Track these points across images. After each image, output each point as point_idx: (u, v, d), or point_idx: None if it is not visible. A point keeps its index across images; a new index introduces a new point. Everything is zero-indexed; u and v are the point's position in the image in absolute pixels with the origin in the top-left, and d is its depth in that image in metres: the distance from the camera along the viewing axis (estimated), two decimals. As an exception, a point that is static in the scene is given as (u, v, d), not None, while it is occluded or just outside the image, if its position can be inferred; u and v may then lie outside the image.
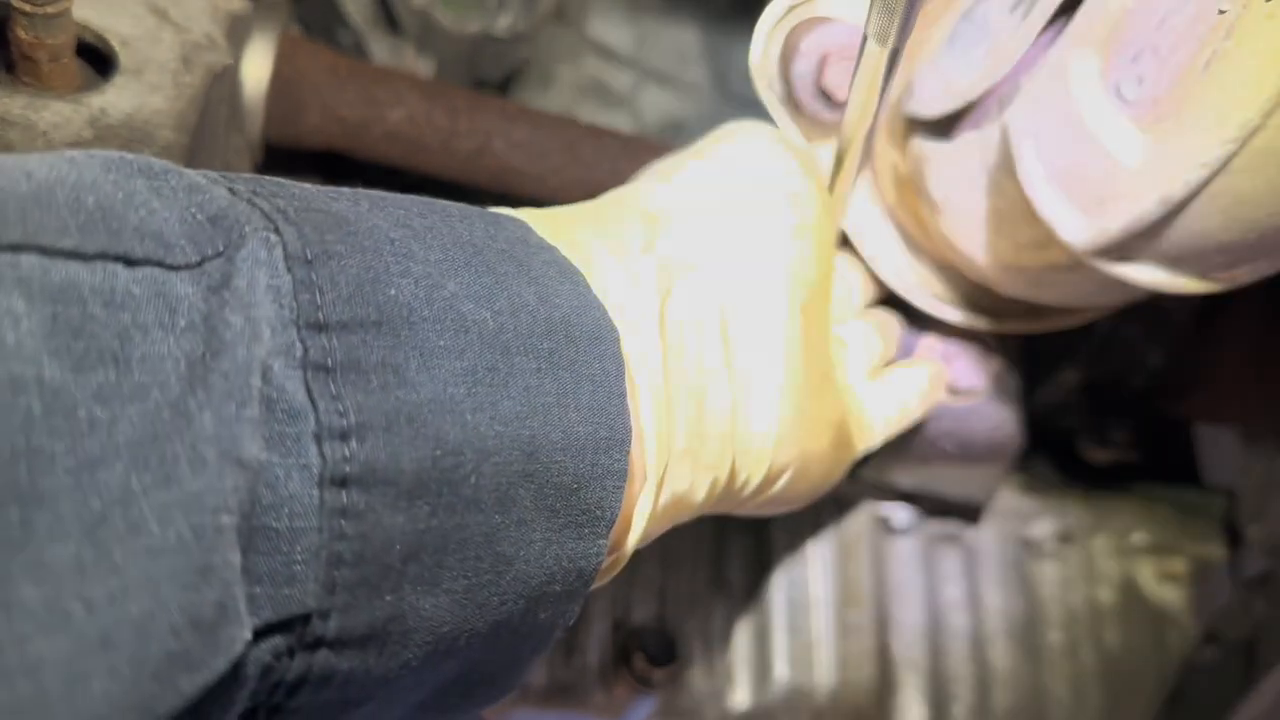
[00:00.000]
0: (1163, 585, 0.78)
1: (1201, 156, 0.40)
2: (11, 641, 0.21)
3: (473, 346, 0.31)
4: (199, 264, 0.27)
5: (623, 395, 0.35)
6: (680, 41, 0.90)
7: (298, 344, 0.28)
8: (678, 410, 0.38)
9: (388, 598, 0.29)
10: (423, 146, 0.64)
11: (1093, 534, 0.78)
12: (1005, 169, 0.48)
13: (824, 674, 0.69)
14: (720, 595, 0.70)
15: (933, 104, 0.51)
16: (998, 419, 0.64)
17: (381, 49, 0.71)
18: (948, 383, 0.63)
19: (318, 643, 0.28)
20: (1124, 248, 0.46)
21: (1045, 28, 0.47)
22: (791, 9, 0.55)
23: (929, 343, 0.63)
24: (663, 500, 0.39)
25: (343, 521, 0.27)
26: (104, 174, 0.27)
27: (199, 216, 0.28)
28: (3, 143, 0.47)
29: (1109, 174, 0.44)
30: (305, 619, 0.27)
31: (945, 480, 0.70)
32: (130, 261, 0.26)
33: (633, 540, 0.38)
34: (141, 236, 0.26)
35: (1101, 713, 0.74)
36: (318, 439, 0.27)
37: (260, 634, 0.27)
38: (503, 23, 0.73)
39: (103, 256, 0.25)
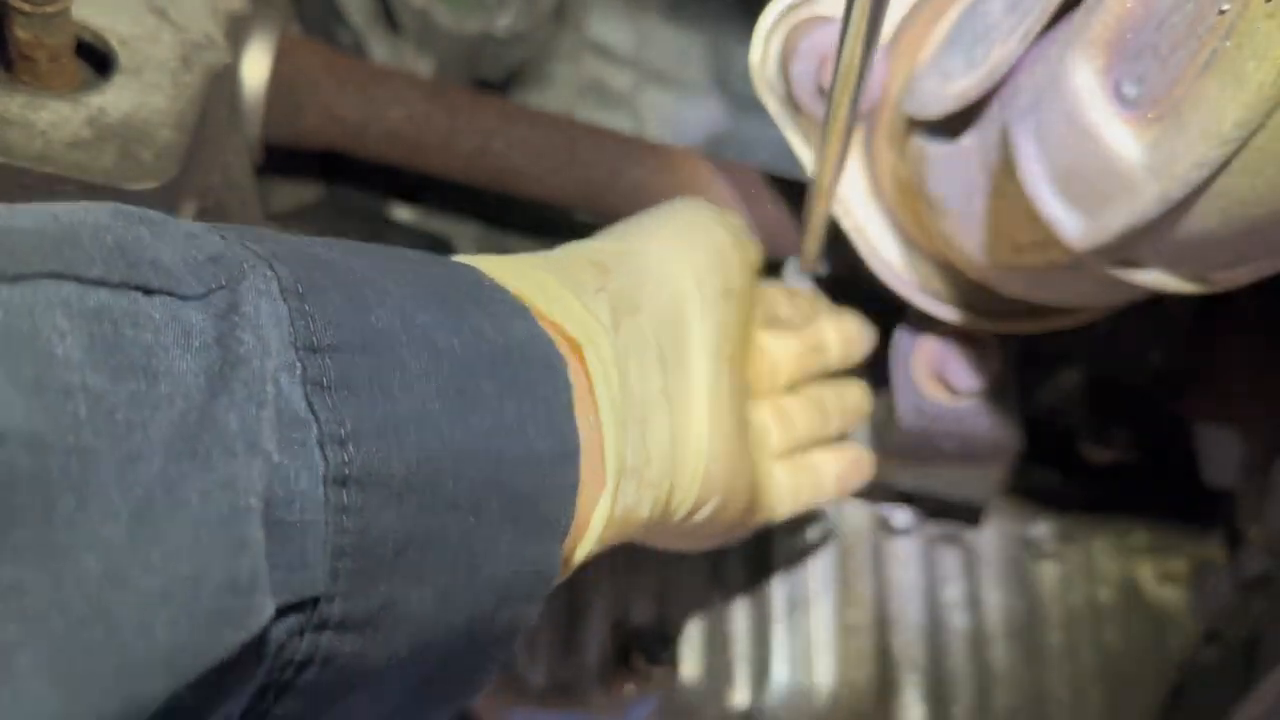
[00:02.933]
0: (1163, 585, 0.78)
1: (1201, 156, 0.40)
2: (81, 598, 0.25)
3: (444, 370, 0.35)
4: (204, 296, 0.31)
5: (572, 415, 0.39)
6: (680, 42, 0.90)
7: (298, 364, 0.31)
8: (628, 431, 0.43)
9: (381, 587, 0.33)
10: (422, 146, 0.64)
11: (1092, 534, 0.78)
12: (1005, 169, 0.49)
13: (824, 674, 0.69)
14: (720, 595, 0.70)
15: (932, 104, 0.51)
16: (997, 419, 0.64)
17: (381, 48, 0.71)
18: (948, 382, 0.63)
19: (323, 625, 0.31)
20: (1124, 247, 0.46)
21: (1045, 28, 0.47)
22: (791, 9, 0.55)
23: (928, 343, 0.63)
24: (617, 510, 0.42)
25: (344, 517, 0.31)
26: (114, 219, 0.31)
27: (199, 257, 0.31)
28: (2, 142, 0.47)
29: (1109, 174, 0.44)
30: (314, 602, 0.31)
31: (945, 480, 0.70)
32: (148, 291, 0.30)
33: (586, 546, 0.42)
34: (155, 270, 0.30)
35: (1102, 713, 0.74)
36: (320, 445, 0.31)
37: (277, 615, 0.30)
38: (502, 22, 0.73)
39: (125, 285, 0.29)
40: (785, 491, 0.56)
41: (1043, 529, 0.77)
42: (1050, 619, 0.76)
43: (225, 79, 0.55)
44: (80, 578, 0.26)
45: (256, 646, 0.30)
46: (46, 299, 0.27)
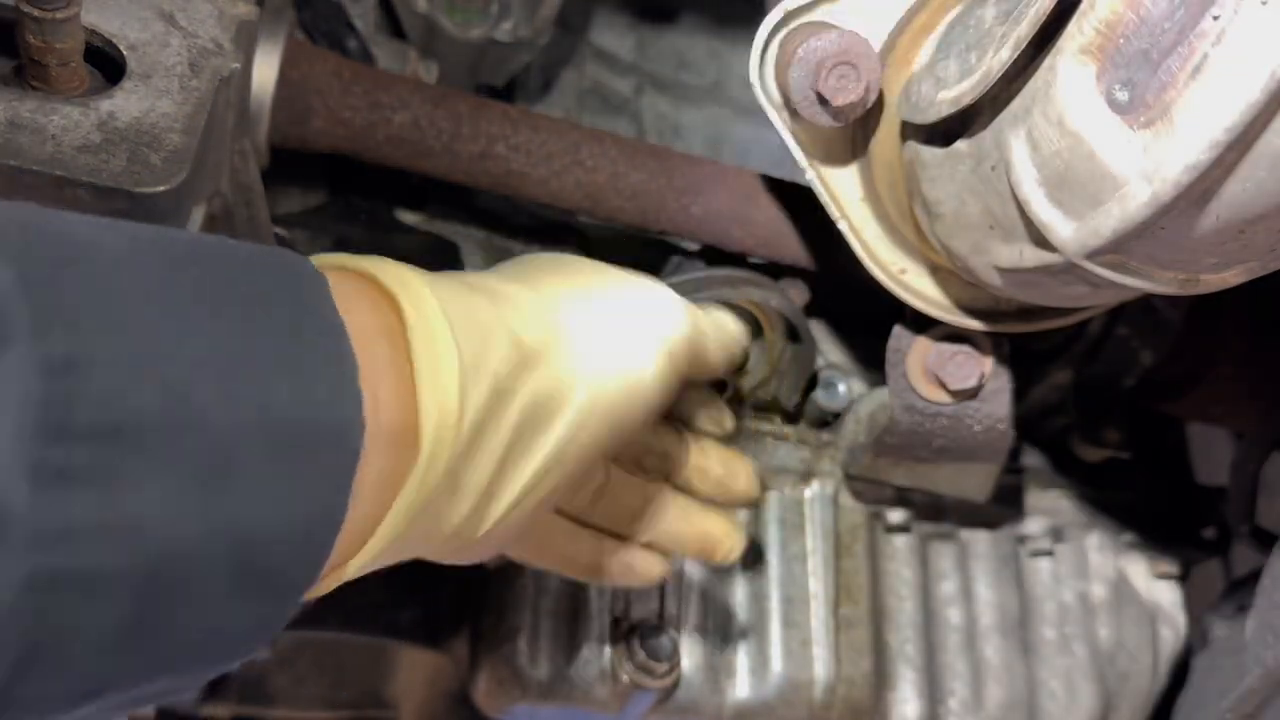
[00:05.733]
0: (1154, 582, 0.79)
1: (1191, 160, 0.41)
2: None
3: (206, 450, 0.34)
4: None
5: (347, 489, 0.38)
6: (680, 47, 0.91)
7: (34, 453, 0.30)
8: (418, 518, 0.43)
9: (77, 671, 0.32)
10: (427, 150, 0.64)
11: (1085, 531, 0.79)
12: (999, 173, 0.49)
13: (821, 668, 0.69)
14: (718, 590, 0.70)
15: (926, 110, 0.52)
16: (991, 418, 0.65)
17: (386, 54, 0.72)
18: (943, 382, 0.63)
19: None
20: (1115, 250, 0.46)
21: (1038, 33, 0.47)
22: (789, 16, 0.56)
23: (923, 343, 0.64)
24: (370, 565, 0.43)
25: (42, 612, 0.31)
26: None
27: None
28: (13, 146, 0.48)
29: (1100, 177, 0.44)
30: None
31: (940, 478, 0.71)
32: None
33: (322, 592, 0.42)
34: None
35: (1094, 708, 0.75)
36: (28, 543, 0.30)
37: None
38: (505, 28, 0.74)
39: None
40: (559, 554, 0.58)
41: (1036, 526, 0.78)
42: (1043, 615, 0.76)
43: (233, 84, 0.55)
44: None
45: None
46: None
